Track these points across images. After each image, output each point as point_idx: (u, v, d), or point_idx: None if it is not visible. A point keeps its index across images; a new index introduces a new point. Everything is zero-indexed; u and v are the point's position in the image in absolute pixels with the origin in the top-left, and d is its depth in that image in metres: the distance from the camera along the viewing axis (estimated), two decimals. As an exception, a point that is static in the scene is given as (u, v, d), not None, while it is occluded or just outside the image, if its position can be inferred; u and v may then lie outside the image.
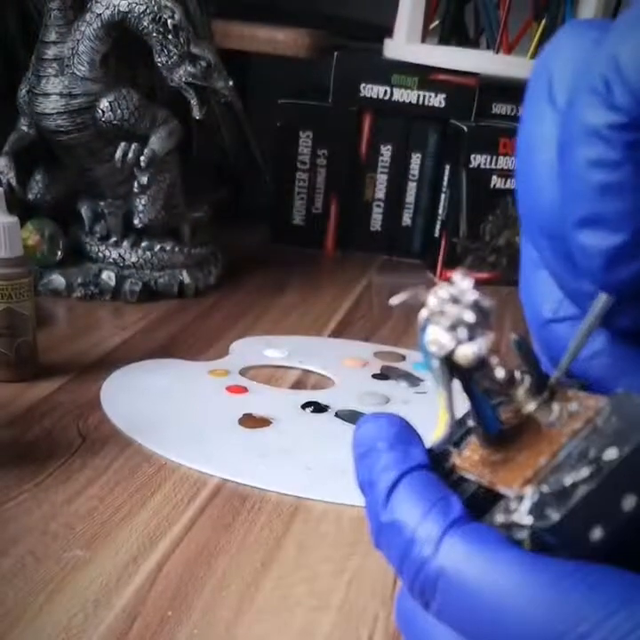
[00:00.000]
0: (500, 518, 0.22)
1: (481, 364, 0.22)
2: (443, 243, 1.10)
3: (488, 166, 1.07)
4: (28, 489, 0.56)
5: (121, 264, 0.93)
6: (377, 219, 1.19)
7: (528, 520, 0.21)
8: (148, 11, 0.82)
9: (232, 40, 1.14)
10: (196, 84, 0.86)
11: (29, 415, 0.65)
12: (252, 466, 0.61)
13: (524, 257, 0.27)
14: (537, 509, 0.21)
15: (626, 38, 0.19)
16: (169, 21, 0.83)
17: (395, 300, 0.23)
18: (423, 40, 1.12)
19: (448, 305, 0.22)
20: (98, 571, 0.48)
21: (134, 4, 0.82)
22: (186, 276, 0.94)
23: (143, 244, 0.94)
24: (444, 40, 1.14)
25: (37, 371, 0.72)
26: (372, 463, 0.24)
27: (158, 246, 0.94)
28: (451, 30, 1.14)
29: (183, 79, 0.85)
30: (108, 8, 0.83)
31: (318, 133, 1.15)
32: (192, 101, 0.87)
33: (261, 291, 1.00)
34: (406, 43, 1.10)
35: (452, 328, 0.22)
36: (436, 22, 1.14)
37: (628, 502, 0.21)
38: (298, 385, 0.76)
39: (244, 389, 0.73)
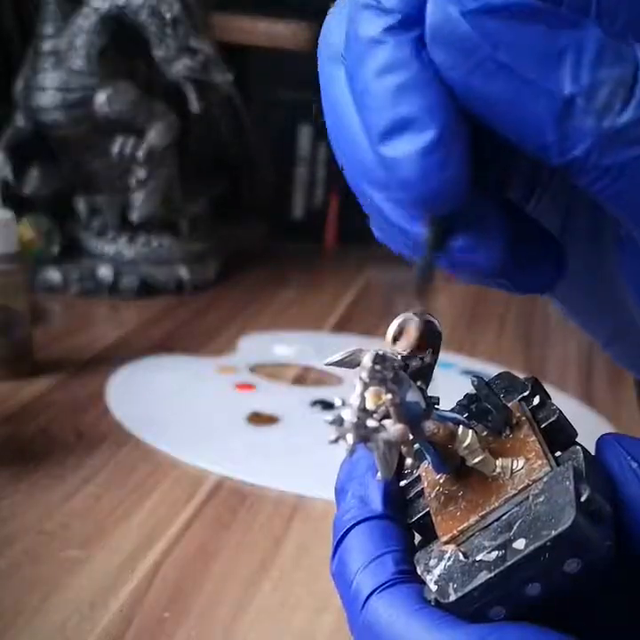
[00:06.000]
0: (419, 569, 0.23)
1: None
2: (443, 237, 1.10)
3: (489, 160, 1.06)
4: (24, 488, 0.55)
5: (118, 259, 0.92)
6: (377, 213, 1.18)
7: (433, 588, 0.22)
8: (145, 4, 0.82)
9: (231, 33, 1.13)
10: (194, 77, 0.85)
11: (25, 413, 0.65)
12: (255, 463, 0.60)
13: None
14: (442, 581, 0.22)
15: None
16: (167, 14, 0.82)
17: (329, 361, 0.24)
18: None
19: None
20: (94, 571, 0.48)
21: (131, -3, 0.81)
22: (184, 272, 0.94)
23: (141, 239, 0.93)
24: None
25: (33, 368, 0.71)
26: (338, 504, 0.26)
27: (156, 241, 0.93)
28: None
29: (181, 73, 0.84)
30: (105, 1, 0.82)
31: (318, 127, 1.15)
32: (190, 95, 0.86)
33: (261, 286, 0.99)
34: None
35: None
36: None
37: (532, 589, 0.22)
38: (307, 382, 0.76)
39: (252, 387, 0.73)
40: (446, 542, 0.23)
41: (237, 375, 0.75)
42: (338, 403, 0.22)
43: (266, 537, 0.53)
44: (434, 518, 0.24)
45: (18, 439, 0.61)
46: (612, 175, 0.20)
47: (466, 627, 0.22)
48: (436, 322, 0.24)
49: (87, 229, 0.94)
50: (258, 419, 0.67)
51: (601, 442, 0.24)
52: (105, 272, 0.91)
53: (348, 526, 0.25)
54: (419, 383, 0.23)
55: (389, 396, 0.22)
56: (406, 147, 0.20)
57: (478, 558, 0.22)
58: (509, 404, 0.25)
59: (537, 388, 0.26)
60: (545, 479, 0.23)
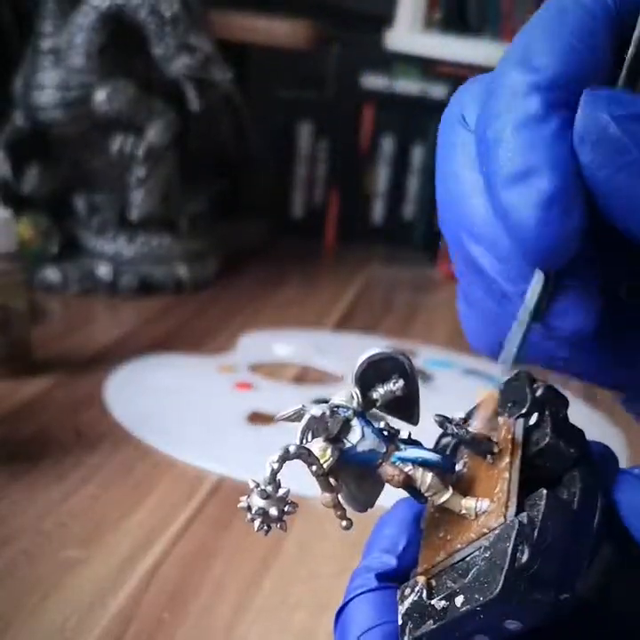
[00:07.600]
0: (399, 594, 0.24)
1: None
2: (444, 236, 1.09)
3: (490, 158, 1.06)
4: (22, 487, 0.55)
5: (117, 258, 0.92)
6: (378, 211, 1.18)
7: (400, 621, 0.23)
8: (145, 2, 0.81)
9: (231, 31, 1.12)
10: (193, 75, 0.85)
11: (23, 412, 0.64)
12: (255, 463, 0.60)
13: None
14: (405, 616, 0.23)
15: (534, 25, 0.23)
16: (166, 12, 0.82)
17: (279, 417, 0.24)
18: (425, 30, 1.10)
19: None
20: (93, 571, 0.48)
21: (130, -5, 0.81)
22: (183, 270, 0.93)
23: (140, 238, 0.93)
24: (447, 30, 1.12)
25: (32, 367, 0.71)
26: (366, 552, 0.27)
27: (155, 240, 0.93)
28: (453, 20, 1.13)
29: (181, 71, 0.84)
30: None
31: (318, 125, 1.14)
32: (190, 93, 0.85)
33: (261, 284, 0.99)
34: (408, 33, 1.09)
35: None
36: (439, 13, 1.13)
37: (481, 637, 0.22)
38: (306, 381, 0.75)
39: (252, 386, 0.73)
40: (420, 573, 0.24)
41: (237, 374, 0.74)
42: (251, 485, 0.23)
43: (266, 536, 0.52)
44: (421, 542, 0.25)
45: (16, 438, 0.61)
46: None
47: None
48: (399, 357, 0.25)
49: (86, 228, 0.93)
50: (257, 418, 0.67)
51: (619, 484, 0.23)
52: (104, 271, 0.90)
53: (352, 596, 0.25)
54: (386, 421, 0.25)
55: (329, 451, 0.24)
56: (528, 192, 0.21)
57: (433, 602, 0.22)
58: (502, 420, 0.25)
59: (537, 403, 0.25)
60: (497, 531, 0.23)
